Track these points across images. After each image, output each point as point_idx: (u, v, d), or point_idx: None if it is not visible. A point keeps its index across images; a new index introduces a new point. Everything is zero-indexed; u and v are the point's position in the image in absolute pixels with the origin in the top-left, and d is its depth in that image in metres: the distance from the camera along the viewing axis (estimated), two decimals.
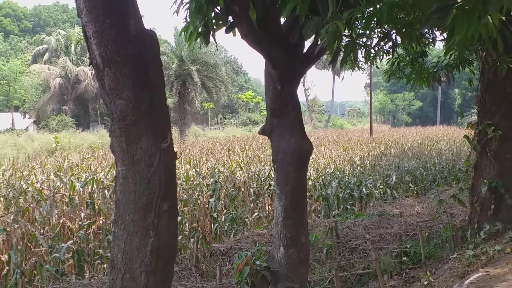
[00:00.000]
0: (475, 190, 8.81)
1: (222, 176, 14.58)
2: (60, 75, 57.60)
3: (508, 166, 8.42)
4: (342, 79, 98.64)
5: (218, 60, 49.73)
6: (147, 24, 3.72)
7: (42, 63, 61.18)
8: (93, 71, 3.60)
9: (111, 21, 3.40)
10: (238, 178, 14.67)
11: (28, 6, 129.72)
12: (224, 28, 5.05)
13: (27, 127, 55.75)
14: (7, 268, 8.98)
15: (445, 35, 3.94)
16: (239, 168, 16.70)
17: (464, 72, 10.19)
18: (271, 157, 6.32)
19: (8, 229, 9.54)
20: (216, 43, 5.05)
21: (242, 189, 13.86)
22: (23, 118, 62.40)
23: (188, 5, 4.75)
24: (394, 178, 16.69)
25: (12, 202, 11.06)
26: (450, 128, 60.27)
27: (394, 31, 5.86)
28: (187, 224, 11.75)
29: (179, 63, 44.44)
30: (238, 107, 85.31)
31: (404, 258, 9.09)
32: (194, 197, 12.50)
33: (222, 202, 12.84)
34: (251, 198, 13.52)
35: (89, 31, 3.43)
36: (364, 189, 14.89)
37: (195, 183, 13.81)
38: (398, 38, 6.31)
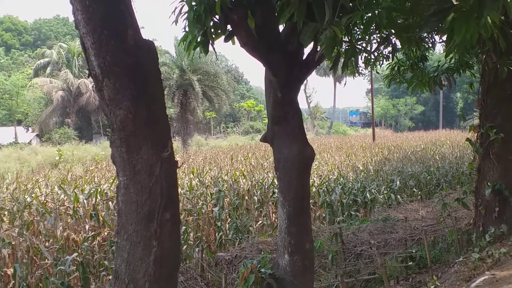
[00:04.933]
0: (479, 193, 8.79)
1: (226, 185, 14.55)
2: (62, 88, 57.77)
3: (511, 168, 8.40)
4: (345, 84, 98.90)
5: (219, 69, 49.72)
6: (148, 35, 3.73)
7: (44, 76, 61.34)
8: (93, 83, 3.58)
9: (108, 31, 3.39)
10: (241, 186, 14.64)
11: (28, 20, 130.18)
12: (223, 37, 5.05)
13: (30, 141, 55.81)
14: (12, 281, 8.95)
15: (444, 38, 3.94)
16: (243, 177, 16.68)
17: (465, 75, 10.21)
18: (274, 165, 6.30)
19: (13, 243, 9.55)
20: (215, 52, 5.04)
21: (246, 197, 13.83)
22: (26, 131, 62.62)
23: (186, 14, 4.75)
24: (398, 183, 16.66)
25: (17, 215, 11.06)
26: (452, 132, 60.22)
27: (393, 35, 5.86)
28: (191, 234, 11.72)
29: (180, 73, 44.44)
30: (240, 115, 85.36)
31: (410, 263, 9.05)
32: (198, 206, 12.48)
33: (226, 210, 12.80)
34: (255, 206, 13.49)
35: (87, 43, 3.42)
36: (368, 195, 14.85)
37: (198, 192, 13.80)
38: (398, 43, 6.31)
